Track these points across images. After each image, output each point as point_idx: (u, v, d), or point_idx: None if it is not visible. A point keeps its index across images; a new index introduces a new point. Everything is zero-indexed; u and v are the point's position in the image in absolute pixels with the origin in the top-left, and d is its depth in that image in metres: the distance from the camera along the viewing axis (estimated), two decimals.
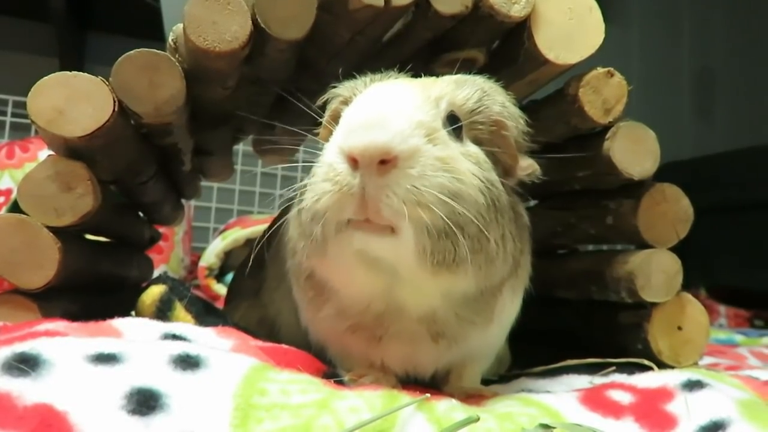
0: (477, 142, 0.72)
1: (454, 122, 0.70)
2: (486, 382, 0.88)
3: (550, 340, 1.17)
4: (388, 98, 0.66)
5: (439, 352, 0.75)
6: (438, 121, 0.67)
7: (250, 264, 0.86)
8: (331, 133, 0.69)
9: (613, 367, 0.89)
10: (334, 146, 0.64)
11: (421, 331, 0.72)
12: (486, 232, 0.65)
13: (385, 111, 0.63)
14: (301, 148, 1.05)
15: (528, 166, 0.76)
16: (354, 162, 0.61)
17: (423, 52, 0.98)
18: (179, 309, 0.91)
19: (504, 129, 0.73)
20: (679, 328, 0.96)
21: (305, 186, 0.68)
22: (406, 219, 0.61)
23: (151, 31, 2.14)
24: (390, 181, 0.61)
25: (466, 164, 0.66)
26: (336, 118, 0.72)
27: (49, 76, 0.78)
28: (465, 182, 0.64)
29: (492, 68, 0.88)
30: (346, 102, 0.74)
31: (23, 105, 0.81)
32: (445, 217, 0.61)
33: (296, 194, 0.71)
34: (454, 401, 0.62)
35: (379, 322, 0.72)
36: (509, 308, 0.81)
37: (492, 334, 0.80)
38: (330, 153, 0.64)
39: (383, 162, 0.60)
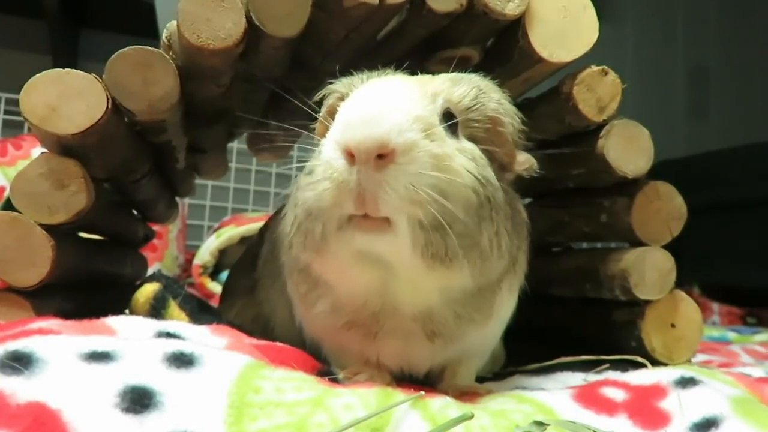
0: (473, 139, 0.72)
1: (449, 119, 0.70)
2: (480, 379, 0.88)
3: (544, 338, 1.17)
4: (385, 93, 0.66)
5: (435, 350, 0.75)
6: (435, 116, 0.67)
7: (245, 262, 0.85)
8: (327, 129, 0.69)
9: (607, 365, 0.90)
10: (331, 141, 0.64)
11: (416, 329, 0.72)
12: (479, 229, 0.65)
13: (382, 106, 0.63)
14: (296, 146, 1.05)
15: (525, 161, 0.76)
16: (351, 157, 0.61)
17: (418, 50, 0.98)
18: (173, 307, 0.91)
19: (500, 125, 0.73)
20: (673, 326, 0.96)
21: (302, 182, 0.68)
22: (403, 215, 0.61)
23: (145, 29, 2.13)
24: (387, 177, 0.60)
25: (462, 160, 0.66)
26: (333, 115, 0.72)
27: (42, 73, 0.78)
28: (458, 181, 0.64)
29: (486, 66, 0.88)
30: (342, 98, 0.74)
31: (16, 102, 0.80)
32: (438, 215, 0.61)
33: (292, 191, 0.70)
34: (448, 399, 0.62)
35: (374, 320, 0.72)
36: (506, 305, 0.81)
37: (490, 331, 0.81)
38: (327, 148, 0.64)
39: (380, 156, 0.60)
